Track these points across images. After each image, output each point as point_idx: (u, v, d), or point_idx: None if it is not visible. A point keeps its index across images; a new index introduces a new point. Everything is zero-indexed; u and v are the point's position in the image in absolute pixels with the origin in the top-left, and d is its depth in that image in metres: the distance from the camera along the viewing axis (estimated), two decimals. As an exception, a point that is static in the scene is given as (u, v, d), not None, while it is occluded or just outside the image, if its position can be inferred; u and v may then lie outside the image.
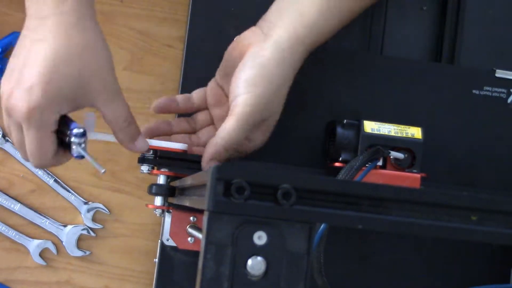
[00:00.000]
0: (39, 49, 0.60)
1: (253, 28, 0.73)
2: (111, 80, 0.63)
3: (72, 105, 0.62)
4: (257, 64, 0.68)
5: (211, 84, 0.76)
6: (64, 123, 0.63)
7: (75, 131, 0.61)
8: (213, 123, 0.75)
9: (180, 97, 0.75)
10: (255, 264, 0.40)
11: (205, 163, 0.68)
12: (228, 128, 0.67)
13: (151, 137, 0.73)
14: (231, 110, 0.68)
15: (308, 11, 0.71)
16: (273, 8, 0.73)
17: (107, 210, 0.86)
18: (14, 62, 0.63)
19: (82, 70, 0.61)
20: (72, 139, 0.61)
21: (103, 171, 0.63)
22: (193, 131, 0.76)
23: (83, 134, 0.62)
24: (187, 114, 0.76)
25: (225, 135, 0.67)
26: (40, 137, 0.62)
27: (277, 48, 0.69)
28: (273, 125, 0.71)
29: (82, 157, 0.63)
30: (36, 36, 0.61)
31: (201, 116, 0.76)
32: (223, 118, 0.70)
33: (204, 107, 0.76)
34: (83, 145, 0.62)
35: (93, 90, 0.62)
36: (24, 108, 0.60)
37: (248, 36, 0.72)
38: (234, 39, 0.73)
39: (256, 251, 0.40)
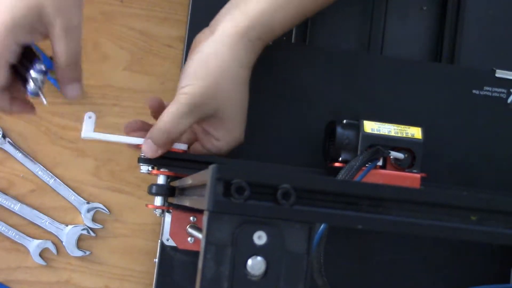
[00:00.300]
0: None
1: (204, 29, 0.74)
2: (67, 7, 0.64)
3: (30, 32, 0.63)
4: (198, 59, 0.70)
5: None
6: (29, 59, 0.63)
7: (37, 65, 0.62)
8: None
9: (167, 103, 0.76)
10: (255, 264, 0.40)
11: (144, 142, 0.70)
12: (167, 112, 0.69)
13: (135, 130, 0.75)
14: (176, 97, 0.70)
15: (253, 6, 0.72)
16: (224, 7, 0.74)
17: (107, 210, 0.86)
18: None
19: None
20: (32, 73, 0.61)
21: (45, 102, 0.63)
22: None
23: (44, 72, 0.62)
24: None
25: (164, 118, 0.69)
26: None
27: (218, 43, 0.70)
28: (233, 121, 0.72)
29: (36, 94, 0.62)
30: None
31: None
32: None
33: None
34: (39, 84, 0.62)
35: (47, 15, 0.63)
36: None
37: (199, 37, 0.74)
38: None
39: (256, 251, 0.40)
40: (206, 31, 0.74)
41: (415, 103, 0.81)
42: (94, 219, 0.86)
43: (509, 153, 0.81)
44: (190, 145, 0.76)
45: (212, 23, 0.74)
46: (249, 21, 0.71)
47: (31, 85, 0.62)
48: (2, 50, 0.62)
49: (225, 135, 0.72)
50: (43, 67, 0.62)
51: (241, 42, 0.71)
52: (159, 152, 0.70)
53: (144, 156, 0.71)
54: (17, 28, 0.62)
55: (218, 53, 0.70)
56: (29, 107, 0.71)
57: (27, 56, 0.64)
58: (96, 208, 0.86)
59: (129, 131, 0.74)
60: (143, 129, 0.74)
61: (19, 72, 0.64)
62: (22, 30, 0.63)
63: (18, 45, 0.63)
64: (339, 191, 0.41)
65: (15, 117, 0.86)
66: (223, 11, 0.74)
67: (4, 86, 0.65)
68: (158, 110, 0.74)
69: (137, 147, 0.72)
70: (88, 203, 0.86)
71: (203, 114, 0.70)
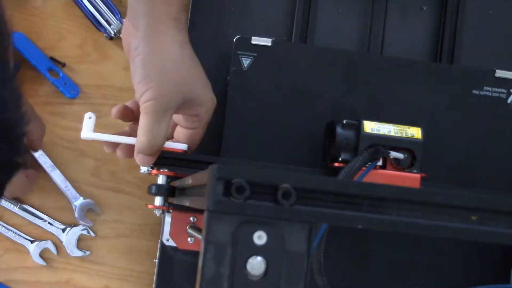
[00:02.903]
0: None
1: (126, 22, 0.73)
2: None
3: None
4: (140, 61, 0.68)
5: None
6: None
7: None
8: None
9: (129, 103, 0.76)
10: (255, 264, 0.39)
11: (135, 155, 0.70)
12: (142, 126, 0.69)
13: (121, 118, 0.75)
14: (141, 110, 0.69)
15: None
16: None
17: (98, 209, 0.86)
18: None
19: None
20: None
21: None
22: None
23: None
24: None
25: (143, 132, 0.69)
26: None
27: (148, 38, 0.69)
28: (202, 94, 0.72)
29: None
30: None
31: None
32: None
33: None
34: None
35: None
36: None
37: (126, 34, 0.73)
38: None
39: (256, 251, 0.40)
40: (129, 26, 0.71)
41: (415, 103, 0.81)
42: (93, 219, 0.86)
43: (509, 153, 0.81)
44: (172, 133, 0.77)
45: (131, 14, 0.71)
46: (162, 2, 0.69)
47: None
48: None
49: (201, 108, 0.72)
50: None
51: (168, 25, 0.69)
52: (153, 160, 0.70)
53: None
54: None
55: (155, 47, 0.68)
56: None
57: None
58: (88, 206, 0.86)
59: (119, 118, 0.75)
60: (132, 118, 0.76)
61: None
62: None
63: None
64: (339, 191, 0.41)
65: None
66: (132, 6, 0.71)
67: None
68: (126, 115, 0.75)
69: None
70: (80, 198, 0.86)
71: (174, 107, 0.69)
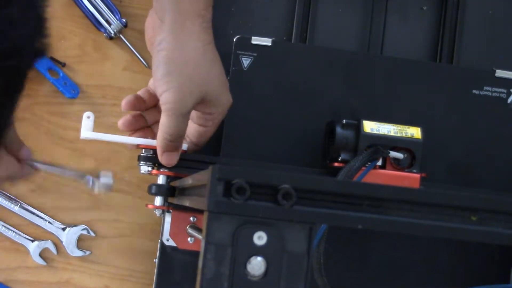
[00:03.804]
0: None
1: (151, 13, 0.72)
2: None
3: None
4: (162, 58, 0.68)
5: None
6: None
7: None
8: None
9: (141, 92, 0.76)
10: (255, 264, 0.39)
11: (160, 156, 0.70)
12: (163, 123, 0.69)
13: (130, 130, 0.75)
14: (161, 107, 0.69)
15: None
16: None
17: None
18: None
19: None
20: None
21: None
22: None
23: None
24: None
25: (164, 129, 0.69)
26: None
27: (173, 34, 0.68)
28: (219, 94, 0.71)
29: None
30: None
31: None
32: None
33: None
34: None
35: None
36: None
37: (150, 24, 0.73)
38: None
39: (256, 251, 0.40)
40: (155, 17, 0.71)
41: (415, 103, 0.81)
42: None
43: (509, 153, 0.81)
44: None
45: (157, 6, 0.71)
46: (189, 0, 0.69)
47: None
48: None
49: (217, 108, 0.72)
50: None
51: (193, 23, 0.69)
52: (178, 156, 0.70)
53: (144, 154, 0.71)
54: None
55: (179, 45, 0.68)
56: None
57: None
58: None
59: (128, 129, 0.75)
60: (141, 124, 0.75)
61: None
62: None
63: None
64: (339, 191, 0.41)
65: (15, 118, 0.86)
66: None
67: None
68: (136, 105, 0.75)
69: (137, 147, 0.72)
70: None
71: (193, 106, 0.69)
